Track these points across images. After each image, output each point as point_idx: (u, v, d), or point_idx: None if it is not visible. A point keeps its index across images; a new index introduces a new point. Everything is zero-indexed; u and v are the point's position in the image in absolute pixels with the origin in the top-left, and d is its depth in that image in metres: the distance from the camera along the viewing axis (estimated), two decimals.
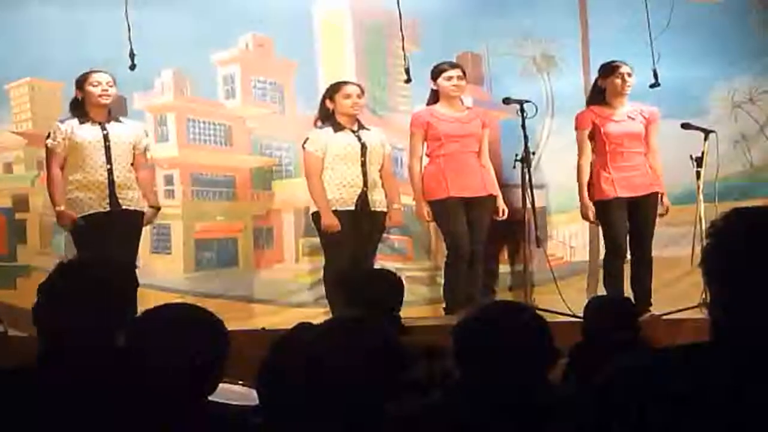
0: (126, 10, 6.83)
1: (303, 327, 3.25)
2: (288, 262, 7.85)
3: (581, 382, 1.90)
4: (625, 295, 6.64)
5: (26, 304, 7.32)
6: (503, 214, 7.23)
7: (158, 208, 6.94)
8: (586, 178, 7.10)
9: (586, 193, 7.09)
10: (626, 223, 7.09)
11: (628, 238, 7.09)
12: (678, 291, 7.42)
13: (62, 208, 6.57)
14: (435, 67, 7.19)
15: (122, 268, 3.00)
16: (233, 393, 3.82)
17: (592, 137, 7.13)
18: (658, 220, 7.14)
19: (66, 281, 2.86)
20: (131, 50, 6.82)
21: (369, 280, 5.29)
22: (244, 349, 3.12)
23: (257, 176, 7.87)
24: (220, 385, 2.93)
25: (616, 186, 7.06)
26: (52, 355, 2.76)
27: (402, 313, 5.26)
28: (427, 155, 7.20)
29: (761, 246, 1.86)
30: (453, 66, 7.22)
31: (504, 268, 7.90)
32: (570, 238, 8.09)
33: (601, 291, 7.15)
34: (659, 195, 7.15)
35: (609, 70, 7.17)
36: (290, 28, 7.85)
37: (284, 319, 7.34)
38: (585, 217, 7.19)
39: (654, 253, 7.15)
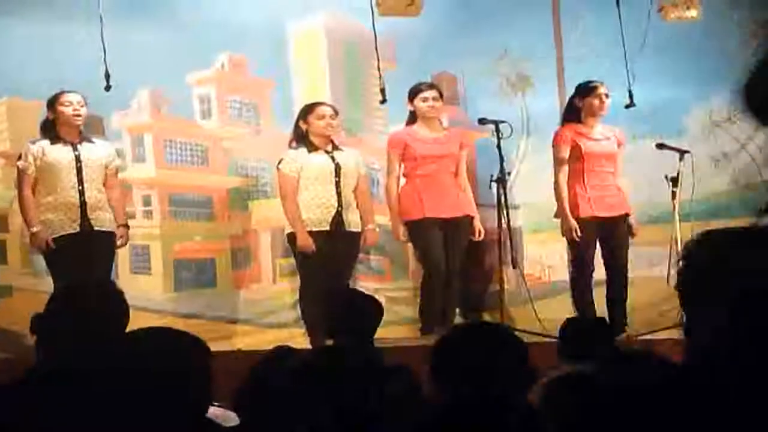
0: (102, 31, 6.77)
1: (281, 350, 3.22)
2: (265, 283, 7.80)
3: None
4: (600, 315, 6.63)
5: (7, 325, 7.19)
6: (480, 235, 7.22)
7: (126, 225, 6.86)
8: (566, 194, 7.06)
9: (568, 211, 7.04)
10: (596, 242, 7.07)
11: (602, 258, 7.10)
12: (654, 312, 7.40)
13: (35, 229, 6.52)
14: (412, 88, 7.19)
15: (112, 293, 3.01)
16: (210, 415, 3.76)
17: (570, 155, 7.11)
18: (634, 240, 7.15)
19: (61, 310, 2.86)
20: (106, 71, 6.77)
21: (352, 303, 5.27)
22: (220, 371, 3.08)
23: (234, 196, 7.82)
24: None
25: (592, 204, 7.06)
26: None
27: (379, 334, 5.25)
28: (404, 175, 7.19)
29: (727, 267, 1.86)
30: (430, 87, 7.23)
31: (480, 288, 7.86)
32: (547, 257, 8.07)
33: None
34: (628, 216, 7.16)
35: (587, 90, 7.17)
36: (265, 47, 7.81)
37: (262, 340, 7.30)
38: (568, 235, 7.08)
39: (630, 274, 7.14)
